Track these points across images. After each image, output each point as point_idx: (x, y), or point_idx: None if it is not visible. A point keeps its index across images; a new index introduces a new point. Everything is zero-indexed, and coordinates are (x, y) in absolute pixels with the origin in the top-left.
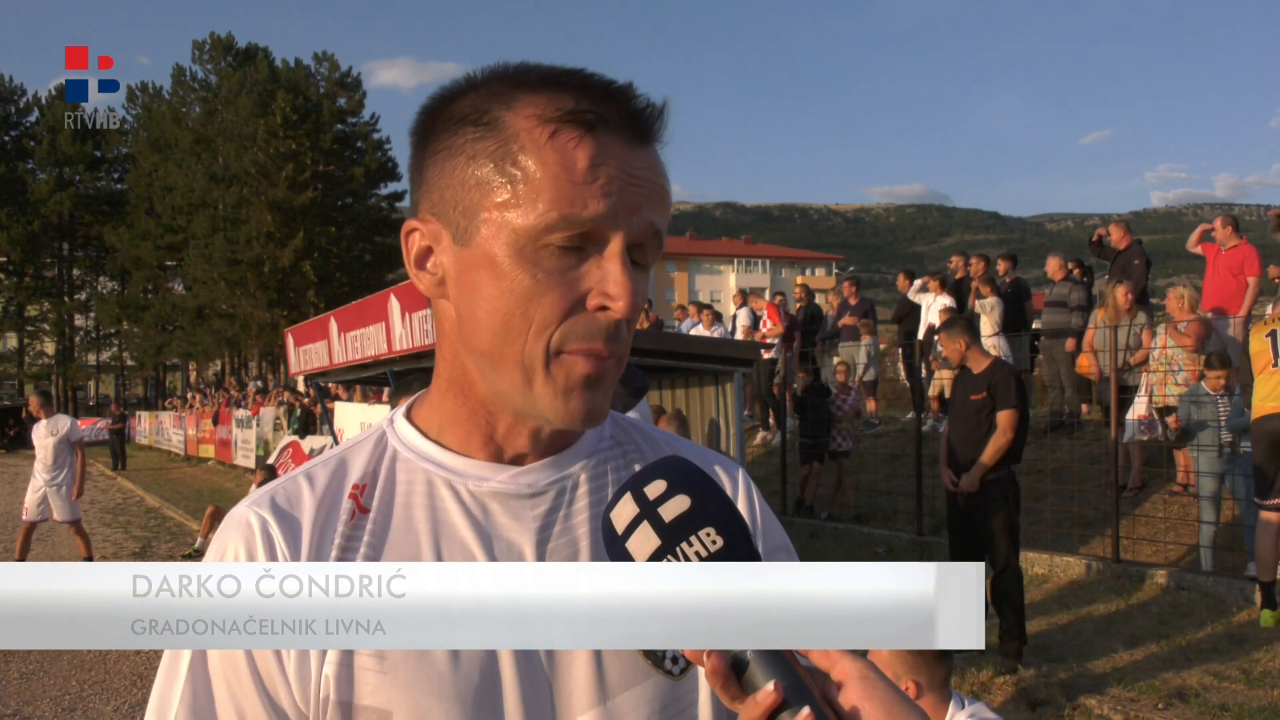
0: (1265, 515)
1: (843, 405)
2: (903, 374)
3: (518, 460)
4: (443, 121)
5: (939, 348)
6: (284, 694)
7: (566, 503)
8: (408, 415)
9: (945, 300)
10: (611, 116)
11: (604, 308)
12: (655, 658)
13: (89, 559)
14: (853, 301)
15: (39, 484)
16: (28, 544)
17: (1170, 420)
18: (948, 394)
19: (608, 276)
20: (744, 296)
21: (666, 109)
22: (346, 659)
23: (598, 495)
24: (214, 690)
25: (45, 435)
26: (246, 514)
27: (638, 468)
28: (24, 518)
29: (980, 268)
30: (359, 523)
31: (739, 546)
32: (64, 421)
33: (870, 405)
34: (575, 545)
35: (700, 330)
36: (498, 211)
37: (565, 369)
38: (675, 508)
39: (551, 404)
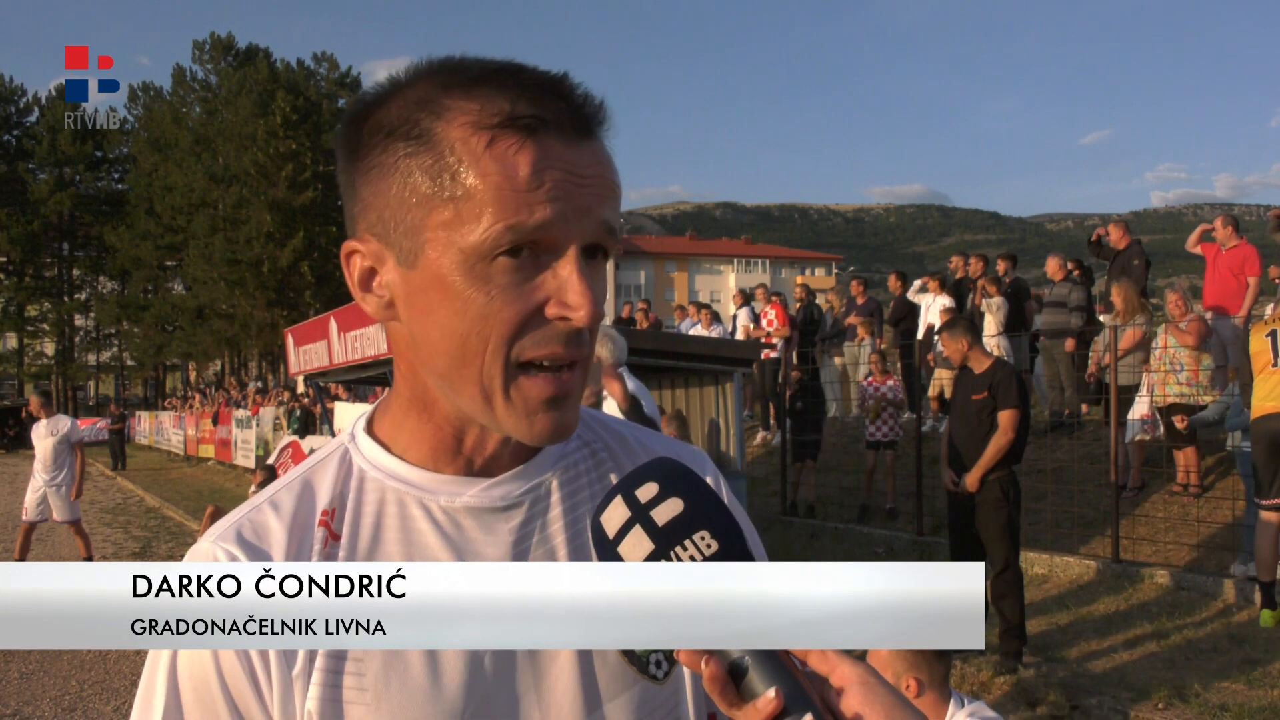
0: (1265, 515)
1: (872, 394)
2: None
3: (488, 469)
4: (369, 134)
5: (939, 347)
6: (259, 716)
7: (541, 512)
8: (369, 430)
9: (945, 300)
10: (550, 116)
11: (564, 318)
12: (640, 663)
13: (89, 559)
14: (860, 301)
15: (38, 484)
16: (28, 544)
17: (1177, 420)
18: (947, 394)
19: (565, 285)
20: (745, 296)
21: (605, 102)
22: (329, 693)
23: (571, 502)
24: (185, 715)
25: (45, 435)
26: (213, 550)
27: (610, 471)
28: (24, 518)
29: (979, 268)
30: (331, 550)
31: (734, 550)
32: (64, 422)
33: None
34: (554, 556)
35: (699, 330)
36: (442, 231)
37: (524, 394)
38: (668, 511)
39: (515, 425)
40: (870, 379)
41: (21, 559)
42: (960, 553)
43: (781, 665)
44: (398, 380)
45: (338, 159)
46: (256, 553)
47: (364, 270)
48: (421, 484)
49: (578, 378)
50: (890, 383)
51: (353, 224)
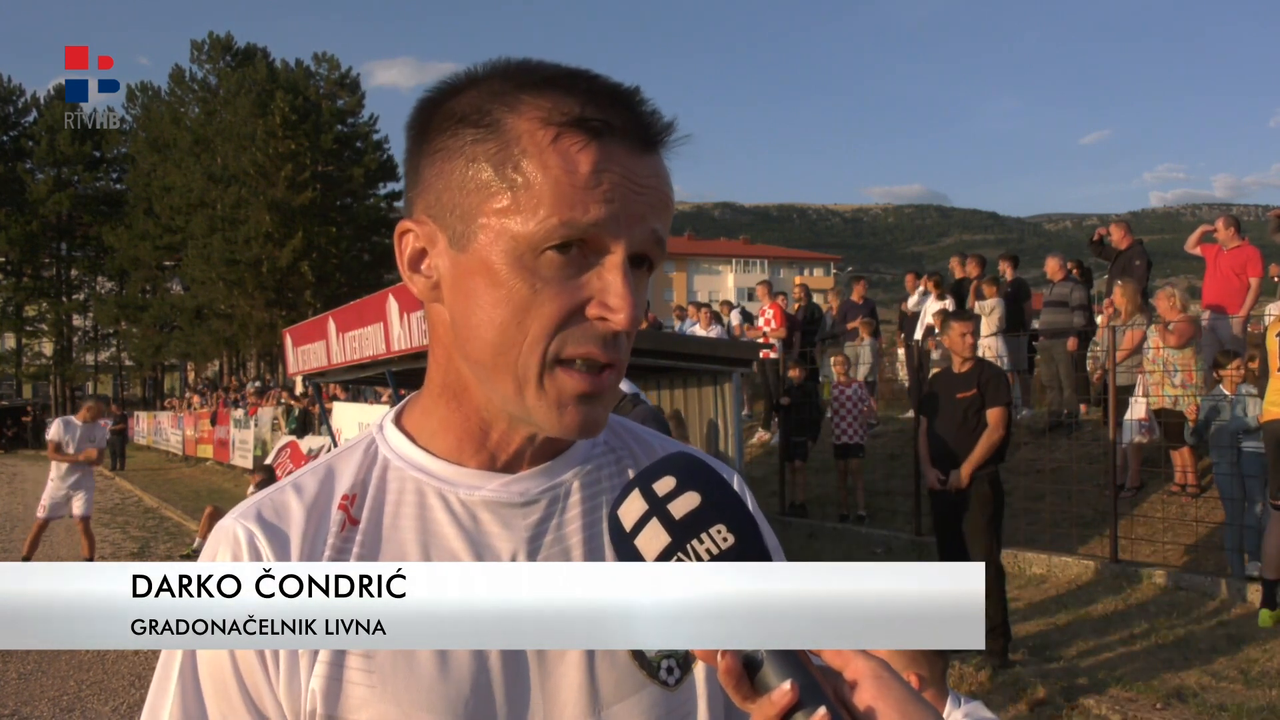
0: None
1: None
2: (902, 373)
3: (511, 466)
4: (441, 119)
5: (938, 334)
6: (271, 707)
7: (559, 511)
8: (397, 422)
9: (943, 303)
10: (617, 123)
11: (603, 319)
12: (650, 668)
13: (89, 559)
14: (858, 301)
15: (63, 485)
16: (37, 541)
17: (1188, 411)
18: None
19: (608, 288)
20: (729, 307)
21: (674, 121)
22: (334, 672)
23: (591, 503)
24: (204, 706)
25: (83, 439)
26: (234, 527)
27: (632, 474)
28: (39, 514)
29: (975, 269)
30: (349, 534)
31: (749, 544)
32: (99, 428)
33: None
34: (568, 554)
35: (698, 330)
36: (497, 218)
37: (558, 385)
38: (685, 504)
39: (546, 416)
40: (836, 383)
41: (29, 556)
42: (948, 550)
43: (796, 659)
44: (431, 368)
45: (406, 143)
46: (275, 530)
47: (415, 251)
48: (443, 475)
49: (612, 379)
50: (855, 386)
51: (410, 205)
